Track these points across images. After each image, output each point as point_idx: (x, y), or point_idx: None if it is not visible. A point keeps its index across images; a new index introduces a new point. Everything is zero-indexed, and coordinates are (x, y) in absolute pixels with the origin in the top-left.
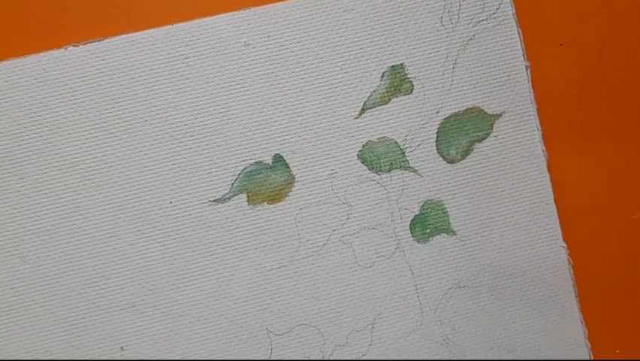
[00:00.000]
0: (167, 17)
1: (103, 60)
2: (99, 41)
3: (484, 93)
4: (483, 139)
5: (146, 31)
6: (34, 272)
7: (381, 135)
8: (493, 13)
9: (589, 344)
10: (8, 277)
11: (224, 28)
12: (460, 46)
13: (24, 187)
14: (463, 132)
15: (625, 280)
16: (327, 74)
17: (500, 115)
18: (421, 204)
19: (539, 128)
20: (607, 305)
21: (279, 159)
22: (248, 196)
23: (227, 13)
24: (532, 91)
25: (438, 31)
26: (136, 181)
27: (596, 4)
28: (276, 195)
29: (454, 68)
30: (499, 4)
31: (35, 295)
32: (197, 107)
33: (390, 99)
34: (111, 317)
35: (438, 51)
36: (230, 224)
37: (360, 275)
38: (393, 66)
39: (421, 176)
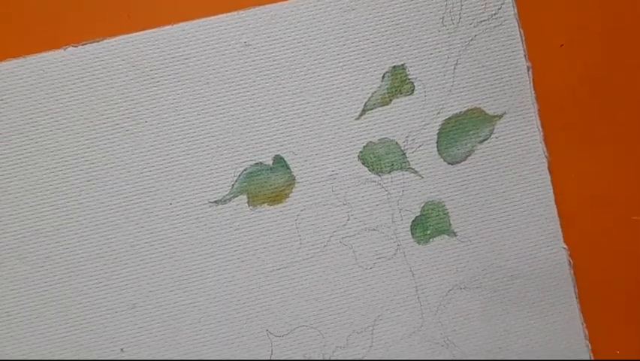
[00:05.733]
0: (167, 17)
1: (102, 61)
2: (99, 42)
3: (486, 94)
4: (484, 140)
5: (145, 31)
6: (34, 274)
7: (382, 136)
8: (495, 14)
9: (589, 344)
10: (8, 279)
11: (225, 28)
12: (462, 46)
13: (23, 188)
14: (464, 133)
15: (625, 280)
16: (327, 75)
17: (501, 116)
18: (422, 206)
19: (540, 129)
20: (607, 306)
21: (279, 160)
22: (248, 197)
23: (228, 14)
24: (533, 92)
25: (439, 31)
26: (136, 182)
27: (597, 5)
28: (277, 197)
29: (455, 68)
30: (501, 5)
31: (35, 296)
32: (197, 108)
33: (391, 100)
34: (112, 319)
35: (439, 52)
36: (231, 225)
37: (361, 276)
38: (394, 67)
39: (422, 177)
